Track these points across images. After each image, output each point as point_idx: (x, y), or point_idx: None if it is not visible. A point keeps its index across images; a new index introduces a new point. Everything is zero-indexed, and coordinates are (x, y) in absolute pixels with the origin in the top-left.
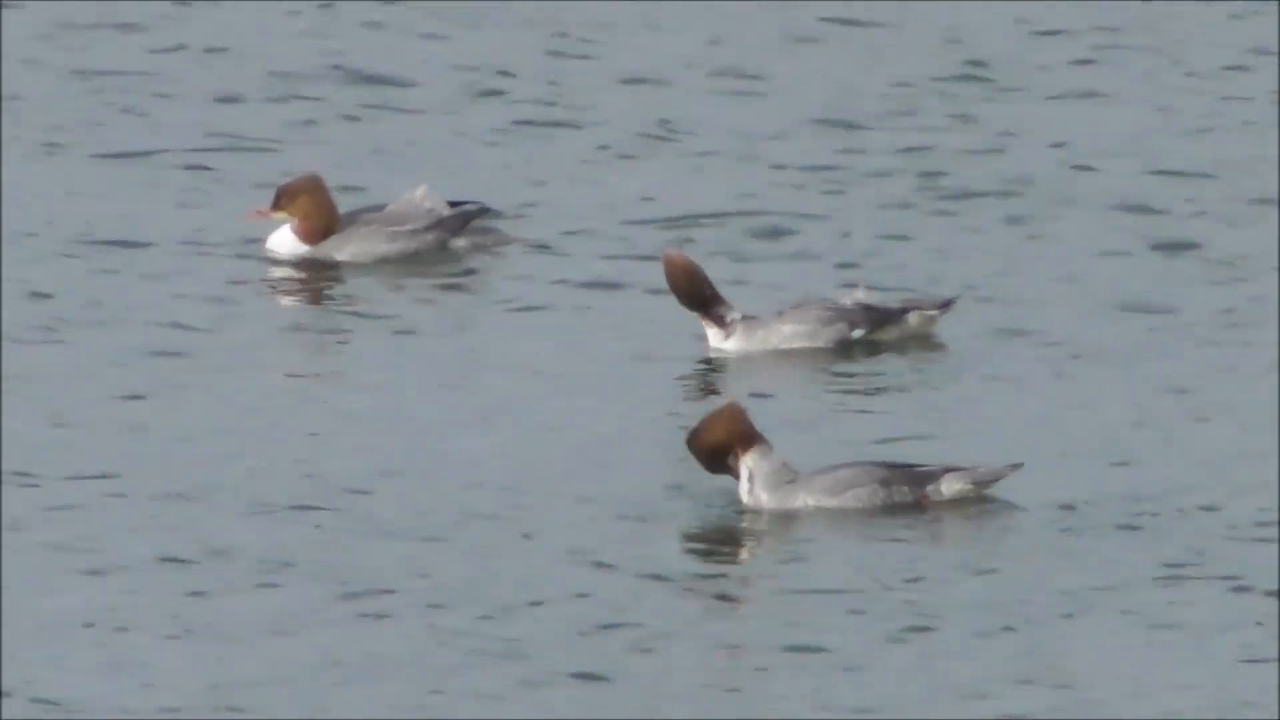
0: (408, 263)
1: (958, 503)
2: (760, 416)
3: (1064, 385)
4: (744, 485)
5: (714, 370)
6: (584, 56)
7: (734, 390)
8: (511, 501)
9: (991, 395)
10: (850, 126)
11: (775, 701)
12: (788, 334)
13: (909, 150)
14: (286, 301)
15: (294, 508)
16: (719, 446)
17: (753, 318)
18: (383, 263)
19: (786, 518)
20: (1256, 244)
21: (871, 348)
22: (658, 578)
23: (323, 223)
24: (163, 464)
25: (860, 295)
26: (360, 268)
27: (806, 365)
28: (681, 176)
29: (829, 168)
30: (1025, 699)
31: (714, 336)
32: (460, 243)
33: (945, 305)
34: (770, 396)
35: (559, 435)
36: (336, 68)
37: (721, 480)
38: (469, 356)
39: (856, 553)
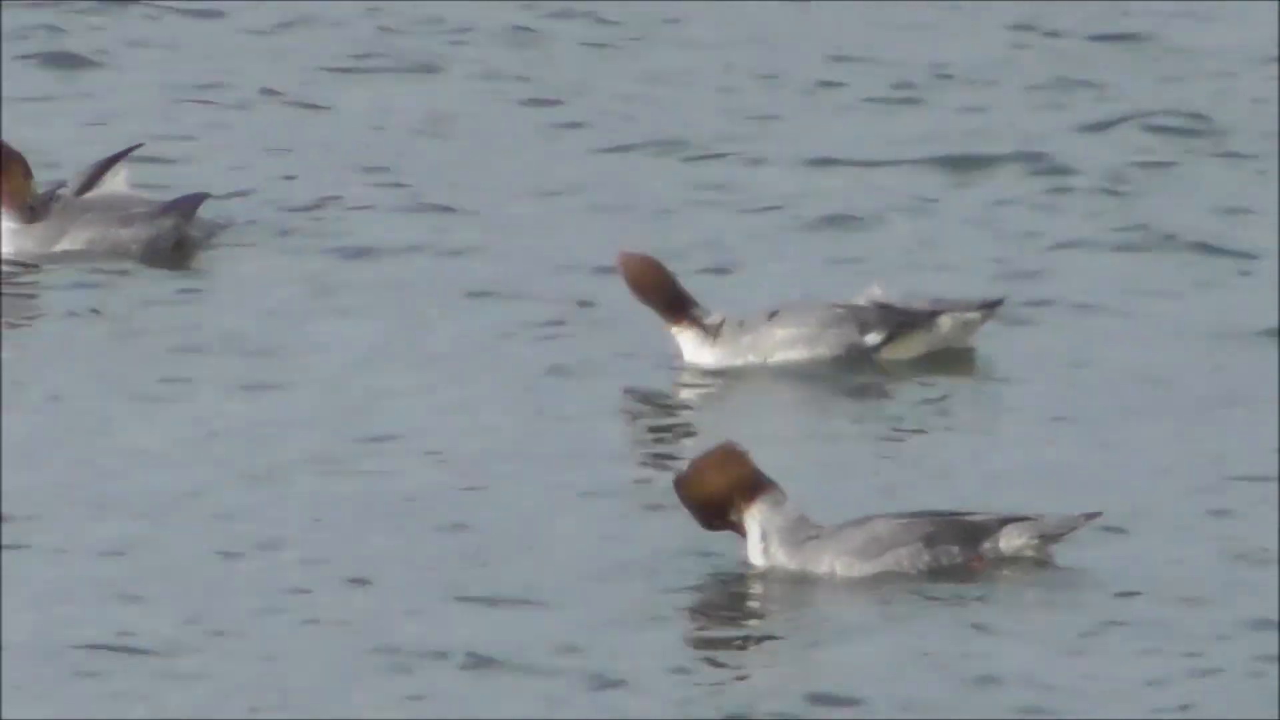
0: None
1: (1018, 562)
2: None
3: (1140, 416)
4: (754, 543)
5: (685, 391)
6: None
7: (712, 417)
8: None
9: (1048, 426)
10: None
11: None
12: (782, 339)
13: None
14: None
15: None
16: (717, 498)
17: (737, 320)
18: (112, 253)
19: (807, 583)
20: None
21: (892, 361)
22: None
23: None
24: None
25: (877, 293)
26: (91, 258)
27: (807, 383)
28: None
29: None
30: None
31: (690, 346)
32: (196, 232)
33: (988, 308)
34: (760, 425)
35: (493, 479)
36: None
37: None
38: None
39: (900, 637)
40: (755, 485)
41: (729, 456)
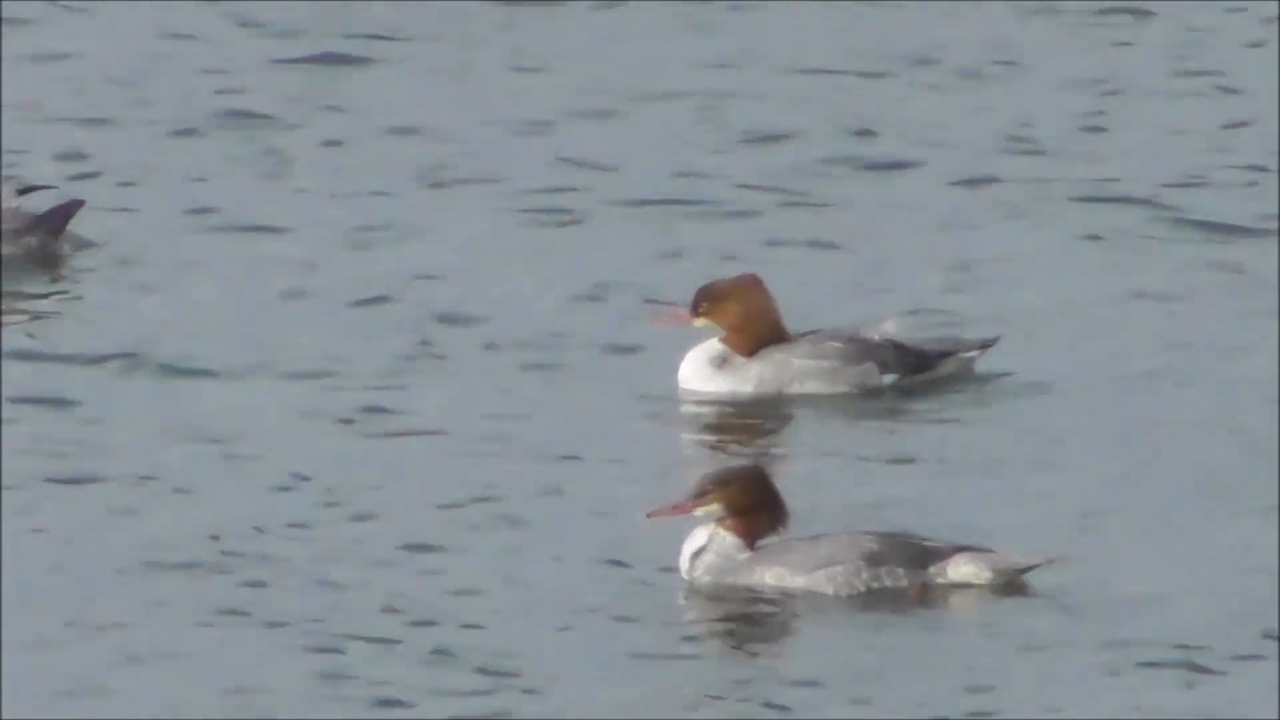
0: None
1: (968, 590)
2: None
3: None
4: (688, 550)
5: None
6: None
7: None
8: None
9: (1044, 460)
10: None
11: None
12: (799, 371)
13: None
14: None
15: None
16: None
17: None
18: None
19: (734, 597)
20: None
21: (899, 393)
22: None
23: None
24: None
25: (890, 328)
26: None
27: (822, 413)
28: None
29: None
30: None
31: (698, 370)
32: (64, 247)
33: (985, 346)
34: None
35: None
36: None
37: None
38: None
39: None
40: (746, 520)
41: (751, 481)
